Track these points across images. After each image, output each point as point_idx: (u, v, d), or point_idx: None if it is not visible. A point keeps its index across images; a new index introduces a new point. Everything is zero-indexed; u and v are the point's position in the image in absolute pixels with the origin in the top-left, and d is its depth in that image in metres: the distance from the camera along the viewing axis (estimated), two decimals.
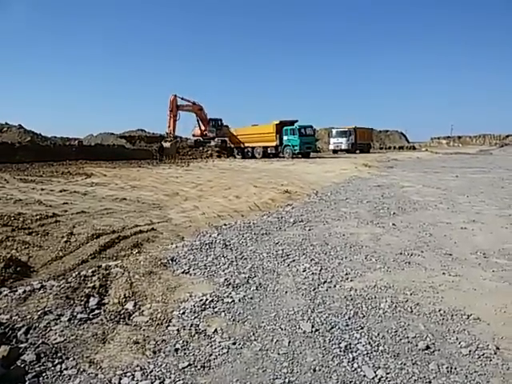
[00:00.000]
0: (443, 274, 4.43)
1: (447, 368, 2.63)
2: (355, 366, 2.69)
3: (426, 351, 2.85)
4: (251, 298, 3.80)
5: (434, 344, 2.94)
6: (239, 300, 3.75)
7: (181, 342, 3.01)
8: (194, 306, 3.59)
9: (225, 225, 7.02)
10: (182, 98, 34.65)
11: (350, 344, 2.96)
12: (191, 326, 3.26)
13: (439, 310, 3.49)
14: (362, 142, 42.95)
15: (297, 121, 32.32)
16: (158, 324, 3.29)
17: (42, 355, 2.76)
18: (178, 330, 3.20)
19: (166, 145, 31.62)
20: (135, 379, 2.54)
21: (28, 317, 3.32)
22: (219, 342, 3.00)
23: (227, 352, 2.88)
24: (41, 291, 3.86)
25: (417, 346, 2.92)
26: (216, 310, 3.55)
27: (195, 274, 4.46)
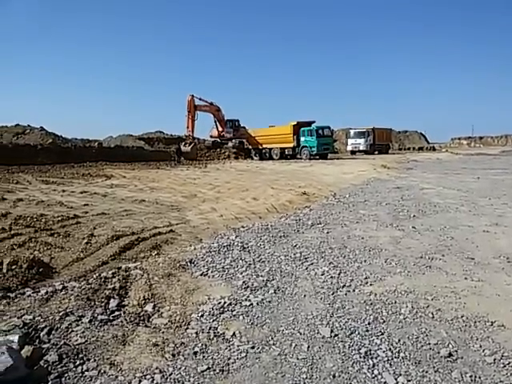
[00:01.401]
0: (465, 278, 4.34)
1: (471, 377, 2.57)
2: (375, 372, 2.65)
3: (449, 359, 2.79)
4: (269, 302, 3.79)
5: (456, 351, 2.88)
6: (257, 303, 3.75)
7: (199, 345, 3.02)
8: (213, 309, 3.60)
9: (242, 227, 7.03)
10: (200, 99, 34.84)
11: (370, 350, 2.92)
12: (210, 328, 3.27)
13: (462, 316, 3.42)
14: (380, 142, 42.40)
15: (314, 121, 32.16)
16: (176, 326, 3.32)
17: (64, 356, 2.81)
18: (196, 332, 3.21)
19: (186, 149, 31.84)
20: (155, 382, 2.56)
21: (50, 317, 3.38)
22: (238, 346, 3.00)
23: (246, 356, 2.87)
24: (62, 292, 3.94)
25: (439, 353, 2.87)
26: (234, 313, 3.56)
27: (213, 276, 4.48)
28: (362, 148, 40.75)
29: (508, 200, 9.55)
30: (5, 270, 4.44)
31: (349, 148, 42.83)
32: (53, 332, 3.15)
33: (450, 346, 2.96)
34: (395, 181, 14.95)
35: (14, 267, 4.50)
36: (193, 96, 33.88)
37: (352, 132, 43.03)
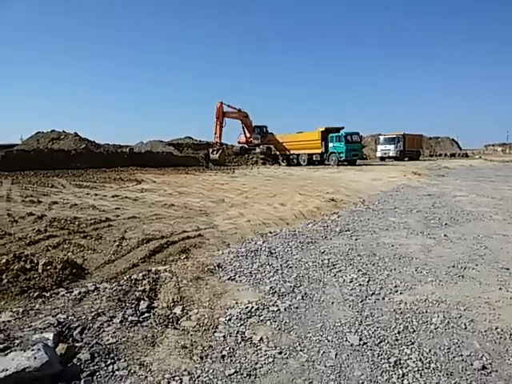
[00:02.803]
0: (500, 289, 4.20)
1: None
2: (405, 382, 2.59)
3: (482, 371, 2.70)
4: (297, 308, 3.78)
5: (490, 364, 2.79)
6: (285, 309, 3.74)
7: (227, 348, 3.04)
8: (240, 313, 3.62)
9: (270, 232, 7.04)
10: (229, 106, 35.29)
11: (400, 359, 2.86)
12: (237, 333, 3.29)
13: (496, 328, 3.31)
14: (410, 148, 41.54)
15: (343, 127, 31.94)
16: (204, 329, 3.35)
17: (96, 355, 2.88)
18: (224, 336, 3.23)
19: (215, 157, 32.41)
20: (183, 383, 2.60)
21: (83, 317, 3.48)
22: (265, 351, 3.00)
23: (273, 361, 2.87)
24: (95, 293, 4.05)
25: (472, 365, 2.78)
26: (262, 318, 3.56)
27: (241, 281, 4.50)
28: (391, 154, 40.08)
29: None
30: (40, 271, 4.60)
31: (378, 154, 42.20)
32: (85, 331, 3.24)
33: (484, 358, 2.87)
34: (426, 188, 14.62)
35: (48, 268, 4.66)
36: (222, 103, 34.36)
37: (382, 138, 42.39)
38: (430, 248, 5.86)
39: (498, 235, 6.62)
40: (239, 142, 40.55)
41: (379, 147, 42.14)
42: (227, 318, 3.54)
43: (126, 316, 3.53)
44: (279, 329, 3.36)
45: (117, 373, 2.71)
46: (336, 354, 2.95)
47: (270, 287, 4.26)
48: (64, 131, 34.22)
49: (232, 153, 39.31)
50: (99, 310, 3.61)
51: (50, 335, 2.95)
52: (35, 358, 2.51)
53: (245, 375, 2.70)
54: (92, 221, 7.64)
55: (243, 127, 38.32)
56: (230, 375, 2.69)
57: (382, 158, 41.05)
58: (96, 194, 12.18)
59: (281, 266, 5.02)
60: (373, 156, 46.25)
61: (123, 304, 3.77)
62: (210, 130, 35.51)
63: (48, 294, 4.03)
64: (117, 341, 3.12)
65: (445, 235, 6.63)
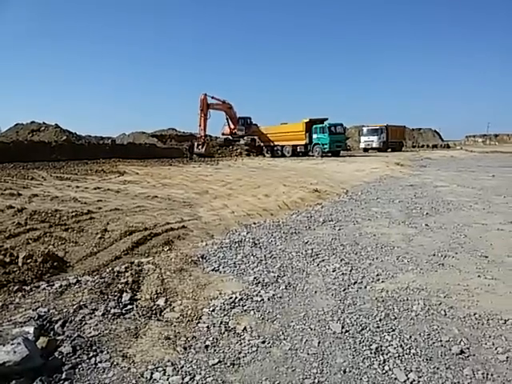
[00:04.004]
0: (478, 276, 4.30)
1: (483, 374, 2.55)
2: (386, 368, 2.64)
3: (461, 356, 2.77)
4: (280, 297, 3.80)
5: (468, 349, 2.86)
6: (268, 299, 3.76)
7: (211, 338, 3.05)
8: (224, 304, 3.63)
9: (254, 223, 7.05)
10: (213, 97, 35.00)
11: (381, 346, 2.91)
12: (221, 323, 3.29)
13: (474, 314, 3.39)
14: (393, 140, 42.00)
15: (327, 119, 31.97)
16: (188, 320, 3.35)
17: (78, 348, 2.85)
18: (207, 327, 3.24)
19: (200, 151, 32.36)
20: (166, 374, 2.59)
21: (64, 310, 3.44)
22: (248, 340, 3.02)
23: (256, 350, 2.89)
24: (76, 286, 4.00)
25: (450, 350, 2.85)
26: (245, 308, 3.57)
27: (225, 271, 4.50)
28: (375, 145, 40.48)
29: None
30: (20, 264, 4.52)
31: (362, 145, 42.55)
32: (67, 324, 3.21)
33: (462, 343, 2.94)
34: (408, 178, 14.82)
35: (29, 261, 4.58)
36: (205, 95, 34.06)
37: (365, 129, 42.73)
38: (411, 237, 5.95)
39: (477, 224, 6.76)
40: (223, 134, 40.31)
41: (362, 138, 42.49)
42: (211, 309, 3.54)
43: (109, 308, 3.50)
44: (263, 318, 3.38)
45: (99, 365, 2.69)
46: (319, 342, 2.99)
47: (254, 277, 4.27)
48: (44, 123, 33.48)
49: (216, 144, 39.09)
50: (81, 303, 3.57)
51: (31, 329, 2.90)
52: (15, 352, 2.47)
53: (228, 364, 2.71)
54: (73, 213, 7.52)
55: (227, 119, 38.05)
56: (213, 365, 2.70)
57: (366, 149, 41.42)
58: (77, 187, 11.99)
59: (265, 256, 5.04)
60: (356, 147, 46.59)
61: (105, 296, 3.74)
62: (193, 121, 35.47)
63: (28, 288, 3.96)
64: (99, 333, 3.09)
65: (426, 224, 6.73)
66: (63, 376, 2.54)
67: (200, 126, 34.29)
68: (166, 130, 52.55)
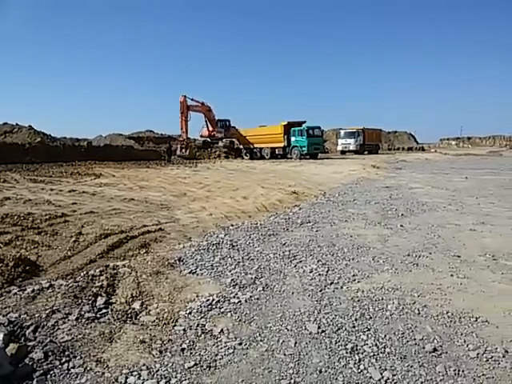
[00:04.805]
0: (451, 275, 4.40)
1: (454, 371, 2.61)
2: (361, 367, 2.67)
3: (433, 353, 2.83)
4: (258, 299, 3.80)
5: (441, 346, 2.92)
6: (245, 300, 3.75)
7: (187, 341, 3.02)
8: (201, 306, 3.60)
9: (232, 225, 7.03)
10: (192, 99, 34.86)
11: (357, 345, 2.94)
12: (197, 325, 3.27)
13: (447, 313, 3.47)
14: (370, 142, 42.65)
15: (305, 122, 32.24)
16: (164, 324, 3.31)
17: (50, 353, 2.78)
18: (184, 329, 3.21)
19: (185, 154, 32.55)
20: (141, 378, 2.55)
21: (36, 315, 3.35)
22: (225, 343, 3.01)
23: (233, 352, 2.88)
24: (49, 290, 3.90)
25: (424, 348, 2.90)
26: (222, 310, 3.56)
27: (202, 274, 4.47)
28: (352, 148, 41.01)
29: (495, 199, 9.69)
30: None
31: (339, 148, 43.05)
32: (39, 330, 3.12)
33: (435, 341, 3.00)
34: (384, 180, 15.07)
35: None
36: (185, 97, 33.89)
37: (342, 132, 43.24)
38: (386, 238, 6.04)
39: (450, 225, 6.92)
40: (202, 136, 40.13)
41: (340, 141, 42.99)
42: (187, 312, 3.51)
43: (83, 313, 3.43)
44: (240, 320, 3.37)
45: (72, 370, 2.63)
46: (295, 343, 3.00)
47: (232, 279, 4.26)
48: (17, 124, 32.63)
49: (195, 146, 38.89)
50: (54, 308, 3.49)
51: (0, 335, 2.81)
52: None
53: (204, 367, 2.69)
54: (47, 216, 7.35)
55: (206, 121, 37.92)
56: (189, 368, 2.67)
57: (343, 152, 41.91)
58: (52, 189, 11.72)
59: (242, 258, 5.03)
60: (334, 150, 47.09)
61: (79, 300, 3.66)
62: (171, 123, 35.73)
63: None
64: (72, 338, 3.02)
65: (401, 225, 6.85)
66: (34, 383, 2.48)
67: (182, 128, 34.16)
68: (143, 132, 51.91)
